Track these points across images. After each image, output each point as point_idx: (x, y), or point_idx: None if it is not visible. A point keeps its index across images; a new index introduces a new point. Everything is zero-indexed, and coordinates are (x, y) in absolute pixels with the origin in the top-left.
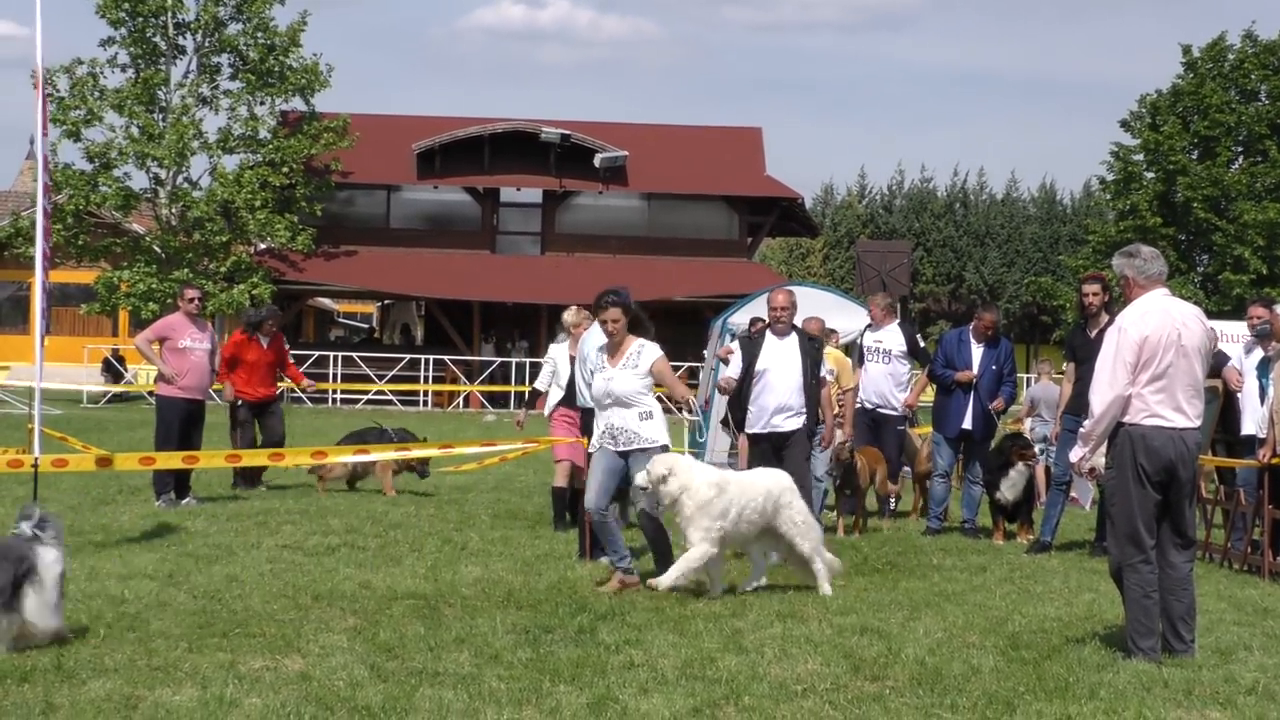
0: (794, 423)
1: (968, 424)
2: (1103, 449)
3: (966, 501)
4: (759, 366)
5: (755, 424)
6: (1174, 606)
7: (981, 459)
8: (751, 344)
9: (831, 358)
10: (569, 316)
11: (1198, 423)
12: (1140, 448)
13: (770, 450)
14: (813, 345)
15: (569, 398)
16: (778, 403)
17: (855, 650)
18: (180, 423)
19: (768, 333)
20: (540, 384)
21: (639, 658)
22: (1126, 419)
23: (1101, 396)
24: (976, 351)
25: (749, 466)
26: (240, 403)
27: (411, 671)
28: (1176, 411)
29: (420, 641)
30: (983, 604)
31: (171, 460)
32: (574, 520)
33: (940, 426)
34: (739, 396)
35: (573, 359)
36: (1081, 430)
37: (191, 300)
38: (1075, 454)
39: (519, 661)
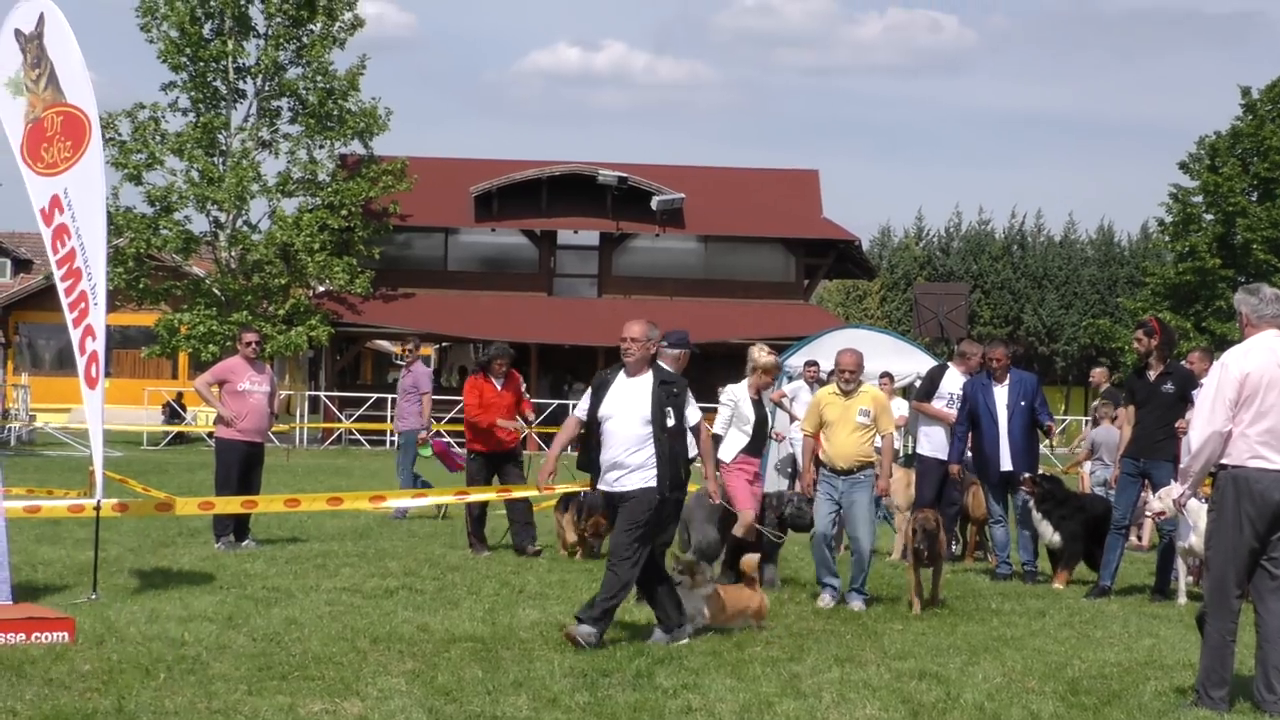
0: (631, 481)
1: (1007, 465)
2: (1173, 490)
3: (1021, 543)
4: (601, 412)
5: (601, 479)
6: (1270, 655)
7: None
8: (601, 384)
9: (869, 398)
10: (763, 356)
11: None
12: (1244, 490)
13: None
14: (669, 389)
15: (754, 444)
16: (613, 457)
17: (914, 695)
18: (239, 465)
19: (620, 374)
20: (718, 428)
21: (696, 702)
22: (1229, 460)
23: (1200, 432)
24: (1000, 392)
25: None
26: (474, 455)
27: (469, 715)
28: None
29: (478, 685)
30: (1042, 649)
31: (230, 505)
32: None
33: (982, 474)
34: (585, 445)
35: (755, 401)
36: (1180, 467)
37: (249, 344)
38: (1175, 491)
39: (577, 705)
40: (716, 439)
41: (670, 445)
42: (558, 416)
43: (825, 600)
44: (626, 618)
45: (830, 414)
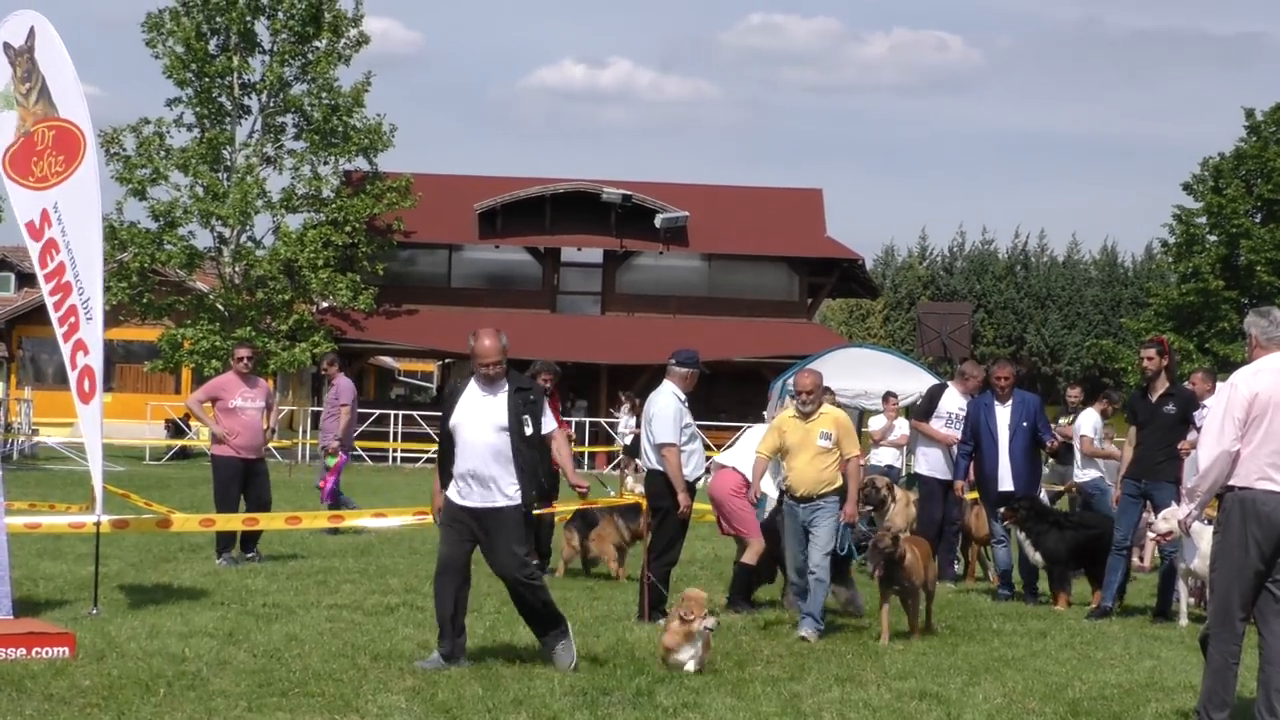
0: (491, 496)
1: (1007, 485)
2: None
3: (1021, 565)
4: (454, 421)
5: (452, 494)
6: (1273, 677)
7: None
8: (452, 392)
9: (830, 420)
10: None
11: None
12: (1250, 512)
13: (467, 532)
14: (525, 395)
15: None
16: (469, 468)
17: (914, 715)
18: (237, 482)
19: (472, 382)
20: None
21: None
22: (1236, 482)
23: (1208, 451)
24: (1003, 413)
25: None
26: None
27: None
28: None
29: (478, 703)
30: (1043, 670)
31: (232, 522)
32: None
33: (982, 494)
34: (441, 457)
35: None
36: (1187, 487)
37: (241, 359)
38: (1181, 511)
39: None
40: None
41: (530, 455)
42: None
43: (805, 630)
44: (628, 636)
45: (791, 438)
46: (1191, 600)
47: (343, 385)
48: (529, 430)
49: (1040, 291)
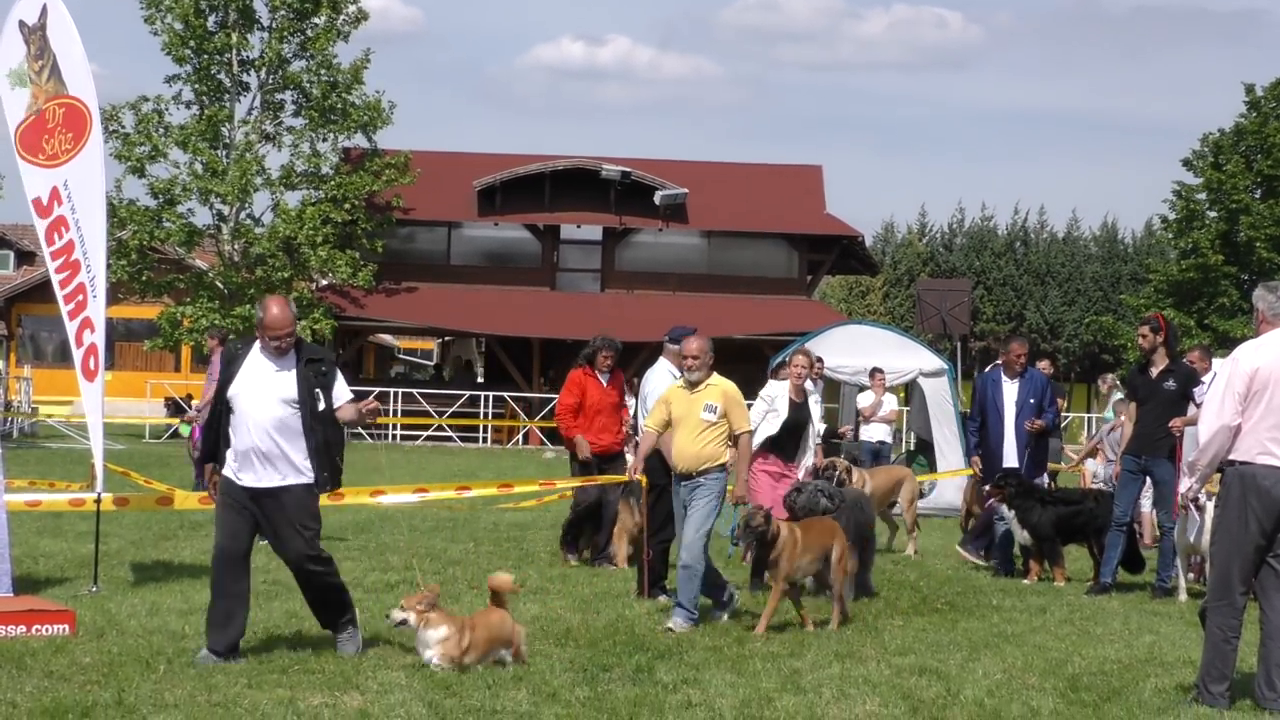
0: (277, 475)
1: (1011, 462)
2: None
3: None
4: (233, 391)
5: (229, 473)
6: (1274, 652)
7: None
8: (233, 358)
9: (718, 392)
10: (797, 356)
11: None
12: (1251, 487)
13: (248, 516)
14: (317, 367)
15: (780, 443)
16: (251, 444)
17: (914, 691)
18: None
19: (255, 349)
20: (757, 422)
21: (696, 697)
22: (1237, 457)
23: (1208, 426)
24: (1010, 388)
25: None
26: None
27: (469, 709)
28: None
29: (478, 679)
30: (1042, 645)
31: None
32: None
33: (987, 470)
34: (208, 429)
35: (797, 404)
36: (1188, 460)
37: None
38: (1182, 485)
39: (576, 700)
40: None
41: (324, 432)
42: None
43: (674, 621)
44: (627, 612)
45: (676, 410)
46: (1191, 575)
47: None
48: (321, 405)
49: (1040, 268)
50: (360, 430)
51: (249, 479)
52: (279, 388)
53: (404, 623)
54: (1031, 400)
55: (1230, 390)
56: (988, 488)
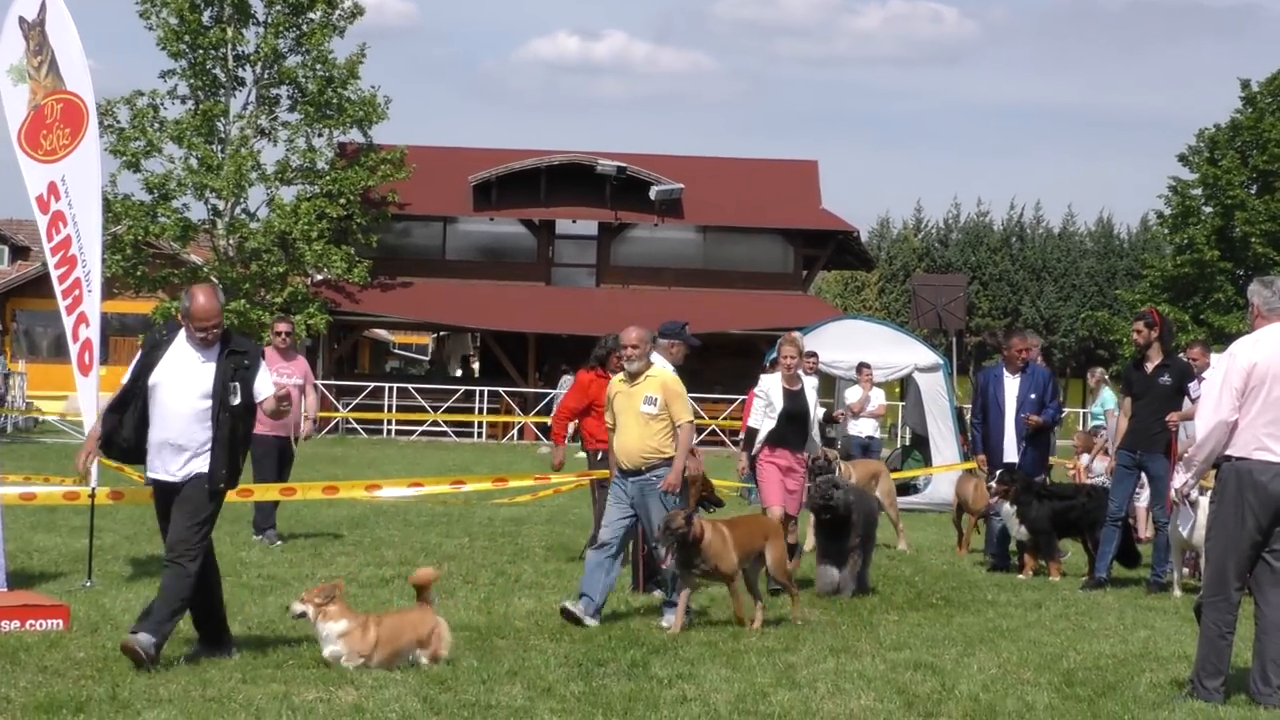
0: (180, 471)
1: (1011, 457)
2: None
3: (996, 536)
4: (152, 381)
5: (149, 466)
6: (1269, 647)
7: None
8: (155, 345)
9: (657, 384)
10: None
11: None
12: (1247, 483)
13: (164, 508)
14: (240, 359)
15: (782, 434)
16: (167, 437)
17: (909, 686)
18: (272, 458)
19: (181, 338)
20: (753, 420)
21: (691, 692)
22: (1234, 452)
23: (1205, 421)
24: (1012, 384)
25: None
26: (601, 455)
27: (464, 704)
28: None
29: (473, 674)
30: (1037, 640)
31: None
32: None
33: (988, 464)
34: (110, 412)
35: (792, 392)
36: (1184, 455)
37: (280, 334)
38: (1178, 480)
39: (571, 695)
40: (752, 431)
41: (231, 427)
42: (554, 408)
43: (579, 608)
44: (621, 607)
45: (617, 404)
46: (1186, 570)
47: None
48: (236, 399)
49: (1036, 263)
50: (355, 426)
51: (158, 472)
52: (200, 380)
53: (303, 615)
54: (1032, 396)
55: (1227, 385)
56: (992, 484)
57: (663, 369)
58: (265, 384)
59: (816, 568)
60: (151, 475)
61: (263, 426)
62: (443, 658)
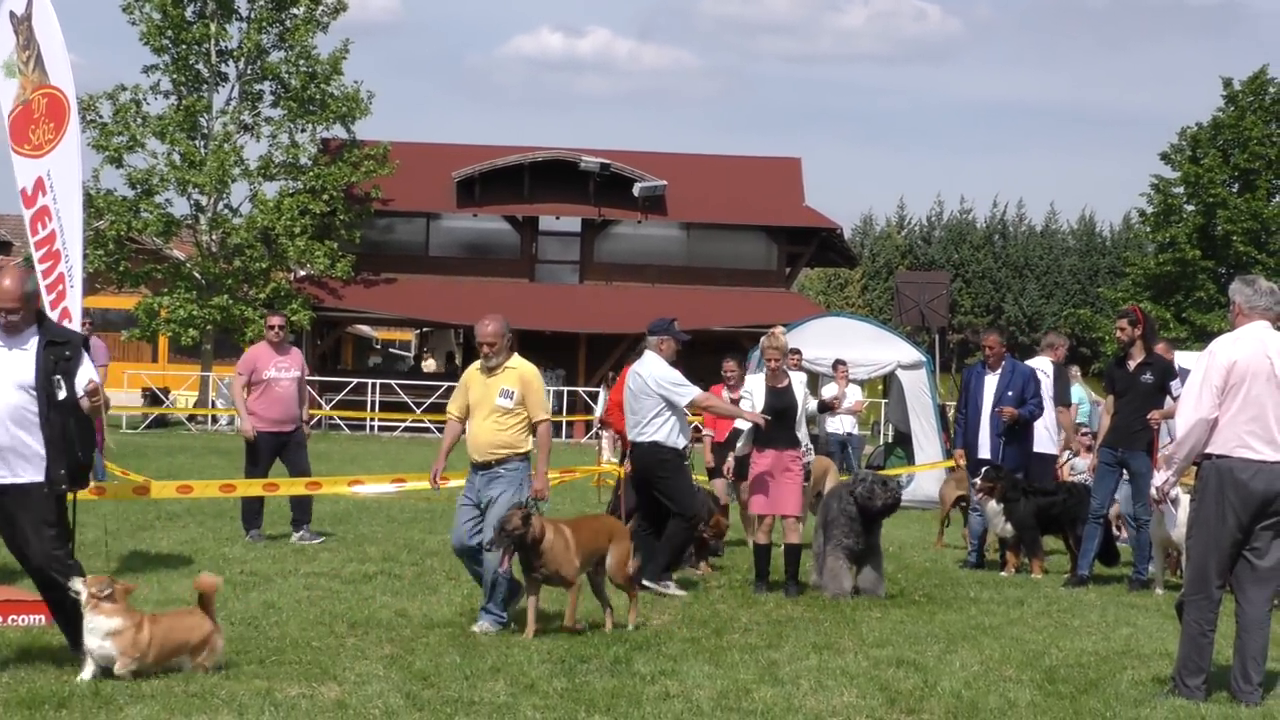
0: (9, 473)
1: (985, 453)
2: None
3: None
4: None
5: None
6: (1249, 645)
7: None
8: None
9: (515, 376)
10: (767, 339)
11: None
12: (1228, 481)
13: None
14: (60, 350)
15: (763, 434)
16: None
17: (891, 683)
18: (267, 455)
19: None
20: (740, 421)
21: (674, 688)
22: (1215, 450)
23: (1186, 419)
24: (990, 380)
25: None
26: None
27: (447, 700)
28: (1269, 444)
29: (456, 670)
30: (1019, 637)
31: (209, 489)
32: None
33: (968, 463)
34: None
35: (777, 390)
36: (1163, 453)
37: (273, 328)
38: (1159, 478)
39: (554, 691)
40: (736, 432)
41: (63, 423)
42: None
43: (481, 624)
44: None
45: (473, 394)
46: (1167, 568)
47: (98, 346)
48: (62, 393)
49: (1018, 261)
50: (338, 422)
51: None
52: (12, 371)
53: (78, 594)
54: (1010, 393)
55: (1207, 383)
56: (977, 481)
57: (523, 362)
58: (89, 371)
59: (825, 568)
60: None
61: (264, 423)
62: (207, 669)
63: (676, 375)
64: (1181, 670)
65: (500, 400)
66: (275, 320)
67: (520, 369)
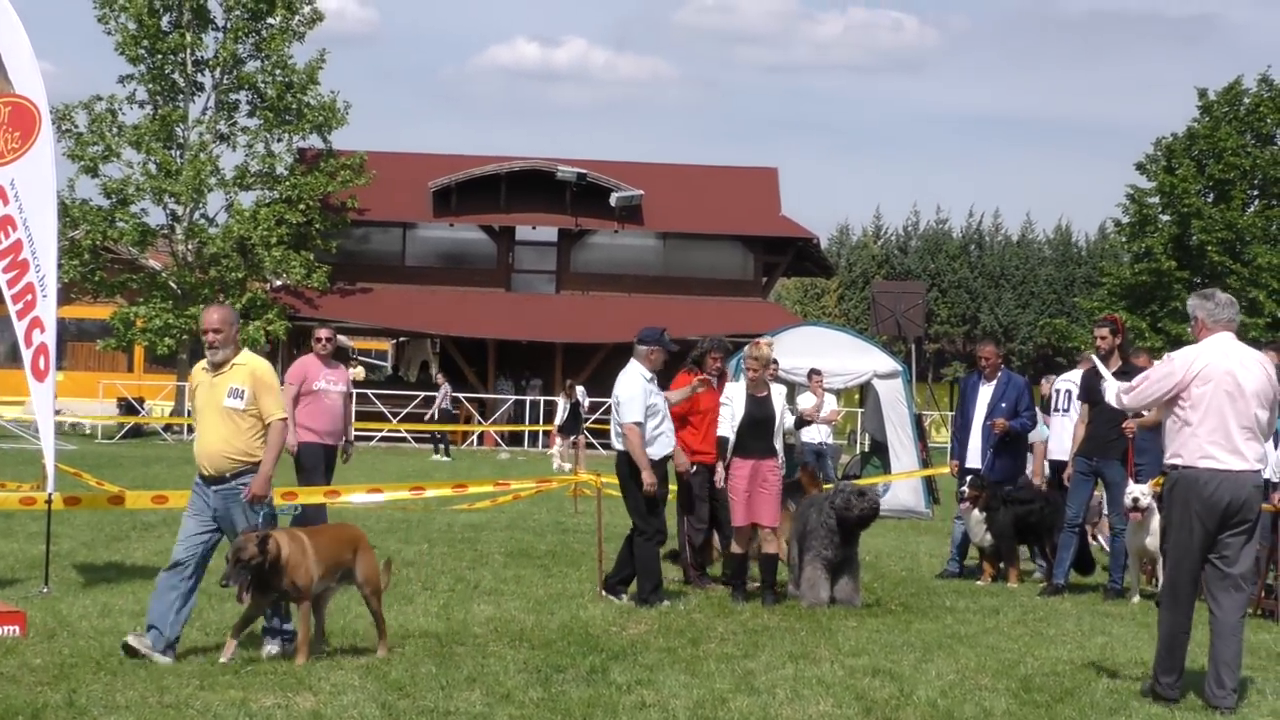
0: None
1: (974, 463)
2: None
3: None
4: None
5: None
6: (1221, 651)
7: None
8: None
9: (245, 373)
10: (752, 348)
11: (1258, 465)
12: (1194, 492)
13: None
14: None
15: (743, 443)
16: None
17: (868, 692)
18: (320, 469)
19: None
20: (724, 429)
21: (650, 698)
22: (1180, 461)
23: (1113, 396)
24: (984, 390)
25: None
26: (695, 468)
27: (422, 710)
28: (1232, 454)
29: (432, 680)
30: (995, 646)
31: (184, 499)
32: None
33: (959, 472)
34: None
35: (757, 399)
36: (1119, 387)
37: (320, 340)
38: (1109, 392)
39: (530, 701)
40: (723, 440)
41: None
42: (512, 415)
43: (268, 648)
44: (582, 614)
45: (199, 397)
46: (1142, 577)
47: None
48: None
49: (994, 270)
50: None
51: None
52: None
53: None
54: (1003, 404)
55: (1149, 377)
56: (964, 490)
57: (253, 357)
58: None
59: (802, 578)
60: None
61: (312, 435)
62: None
63: (631, 392)
64: (1157, 669)
65: (230, 401)
66: (324, 333)
67: (251, 364)
